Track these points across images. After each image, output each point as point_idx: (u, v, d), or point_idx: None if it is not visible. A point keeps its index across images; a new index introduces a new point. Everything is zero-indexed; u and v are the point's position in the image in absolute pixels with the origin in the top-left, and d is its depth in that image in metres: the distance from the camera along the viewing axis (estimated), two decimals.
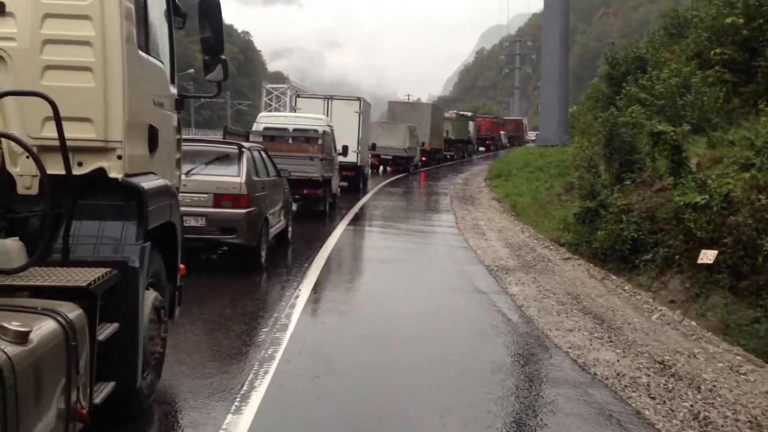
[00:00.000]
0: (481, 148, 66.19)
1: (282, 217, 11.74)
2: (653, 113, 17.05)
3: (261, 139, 16.80)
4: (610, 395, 5.67)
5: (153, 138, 4.82)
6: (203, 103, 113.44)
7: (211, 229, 9.23)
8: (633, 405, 5.46)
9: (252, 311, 7.69)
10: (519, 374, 6.12)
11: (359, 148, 23.69)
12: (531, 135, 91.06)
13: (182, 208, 9.46)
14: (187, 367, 5.70)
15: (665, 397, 5.69)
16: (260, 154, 10.89)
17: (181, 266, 5.41)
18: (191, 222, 9.15)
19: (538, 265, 11.82)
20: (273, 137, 17.18)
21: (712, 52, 18.24)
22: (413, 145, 36.63)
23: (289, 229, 12.45)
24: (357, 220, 16.71)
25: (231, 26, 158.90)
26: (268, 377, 5.49)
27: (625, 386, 5.90)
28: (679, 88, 17.50)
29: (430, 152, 42.21)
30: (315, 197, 16.19)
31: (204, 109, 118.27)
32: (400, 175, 34.06)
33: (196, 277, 8.87)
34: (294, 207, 13.94)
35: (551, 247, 14.02)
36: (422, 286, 9.70)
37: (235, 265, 9.94)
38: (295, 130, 17.80)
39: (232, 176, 9.44)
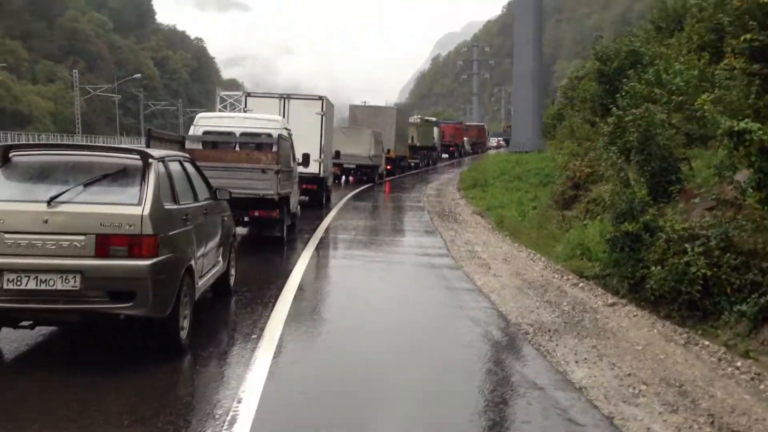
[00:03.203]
0: (445, 155, 63.02)
1: (220, 258, 8.05)
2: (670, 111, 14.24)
3: (200, 146, 13.17)
4: None
5: None
6: (155, 111, 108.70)
7: (91, 294, 5.45)
8: None
9: None
10: None
11: (322, 156, 19.90)
12: (492, 141, 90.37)
13: (40, 261, 5.23)
14: None
15: None
16: (182, 166, 7.15)
17: None
18: (56, 283, 5.43)
19: (585, 320, 8.36)
20: (215, 144, 13.49)
21: (740, 39, 15.19)
22: (378, 153, 33.13)
23: (232, 272, 8.71)
24: (324, 250, 12.98)
25: (184, 32, 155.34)
26: None
27: None
28: (700, 82, 14.71)
29: (395, 160, 38.95)
30: (269, 221, 12.43)
31: (156, 118, 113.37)
32: (365, 186, 30.54)
33: (63, 373, 5.25)
34: (242, 231, 10.25)
35: (581, 284, 10.56)
36: (446, 385, 6.12)
37: (136, 345, 6.19)
38: (243, 134, 14.02)
39: (128, 204, 5.68)
